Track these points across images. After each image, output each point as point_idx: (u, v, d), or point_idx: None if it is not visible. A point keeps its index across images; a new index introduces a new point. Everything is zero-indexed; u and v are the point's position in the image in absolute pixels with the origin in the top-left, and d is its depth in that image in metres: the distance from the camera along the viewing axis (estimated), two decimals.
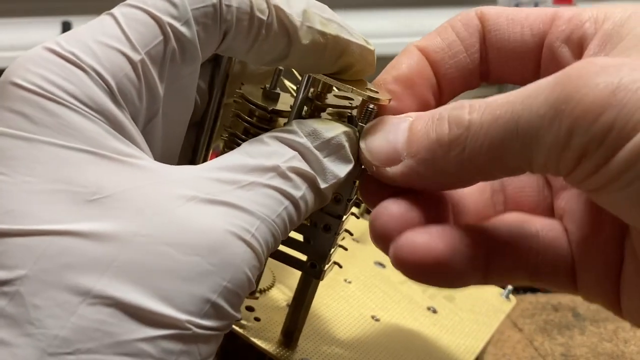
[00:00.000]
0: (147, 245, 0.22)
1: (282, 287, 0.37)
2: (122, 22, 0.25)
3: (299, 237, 0.32)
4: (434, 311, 0.40)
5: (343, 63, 0.29)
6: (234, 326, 0.33)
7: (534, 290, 0.71)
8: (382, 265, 0.43)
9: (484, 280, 0.27)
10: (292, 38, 0.27)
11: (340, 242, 0.33)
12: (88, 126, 0.23)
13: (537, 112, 0.22)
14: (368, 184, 0.28)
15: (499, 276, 0.28)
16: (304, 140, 0.27)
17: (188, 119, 0.28)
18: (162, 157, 0.27)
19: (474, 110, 0.24)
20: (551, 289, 0.29)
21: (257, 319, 0.34)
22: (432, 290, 0.42)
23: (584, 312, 0.66)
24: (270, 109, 0.32)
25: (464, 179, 0.25)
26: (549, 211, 0.30)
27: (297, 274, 0.32)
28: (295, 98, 0.30)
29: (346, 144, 0.27)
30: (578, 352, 0.59)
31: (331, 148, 0.27)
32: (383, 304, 0.39)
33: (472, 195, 0.30)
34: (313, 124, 0.27)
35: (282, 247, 0.32)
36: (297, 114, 0.30)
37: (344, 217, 0.31)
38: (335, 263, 0.33)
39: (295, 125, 0.27)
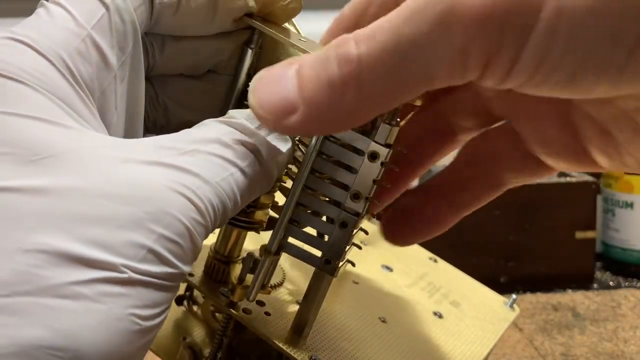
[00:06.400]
0: (83, 197, 0.23)
1: (292, 284, 0.37)
2: (65, 4, 0.26)
3: (314, 232, 0.32)
4: (440, 316, 0.41)
5: None
6: (244, 318, 0.34)
7: (533, 290, 0.72)
8: (389, 269, 0.44)
9: None
10: None
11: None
12: (36, 97, 0.25)
13: (423, 31, 0.22)
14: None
15: None
16: (242, 120, 0.27)
17: (143, 86, 0.29)
18: (126, 121, 0.29)
19: (360, 41, 0.23)
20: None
21: (267, 314, 0.35)
22: (437, 295, 0.43)
23: (584, 312, 0.67)
24: None
25: (365, 114, 0.25)
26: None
27: (307, 271, 0.33)
28: None
29: None
30: (578, 351, 0.59)
31: (267, 128, 0.28)
32: (390, 307, 0.40)
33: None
34: (248, 110, 0.28)
35: (296, 242, 0.32)
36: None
37: (362, 214, 0.31)
38: (348, 261, 0.33)
39: (232, 112, 0.28)
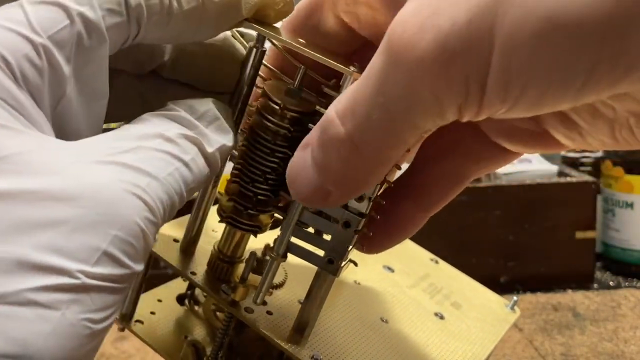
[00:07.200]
0: (35, 201, 0.23)
1: (294, 284, 0.37)
2: (27, 8, 0.26)
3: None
4: (441, 317, 0.41)
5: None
6: (246, 317, 0.34)
7: (533, 290, 0.72)
8: (390, 269, 0.44)
9: None
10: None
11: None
12: None
13: (396, 97, 0.24)
14: None
15: None
16: (182, 112, 0.28)
17: (104, 104, 0.29)
18: (81, 136, 0.28)
19: (344, 121, 0.25)
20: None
21: (269, 313, 0.35)
22: (439, 296, 0.43)
23: (584, 312, 0.67)
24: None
25: (383, 168, 0.26)
26: None
27: (309, 271, 0.33)
28: None
29: (220, 115, 0.29)
30: (578, 351, 0.59)
31: (208, 119, 0.29)
32: (391, 307, 0.40)
33: None
34: (187, 101, 0.29)
35: (299, 242, 0.32)
36: None
37: (365, 214, 0.31)
38: (351, 261, 0.33)
39: (171, 104, 0.28)
